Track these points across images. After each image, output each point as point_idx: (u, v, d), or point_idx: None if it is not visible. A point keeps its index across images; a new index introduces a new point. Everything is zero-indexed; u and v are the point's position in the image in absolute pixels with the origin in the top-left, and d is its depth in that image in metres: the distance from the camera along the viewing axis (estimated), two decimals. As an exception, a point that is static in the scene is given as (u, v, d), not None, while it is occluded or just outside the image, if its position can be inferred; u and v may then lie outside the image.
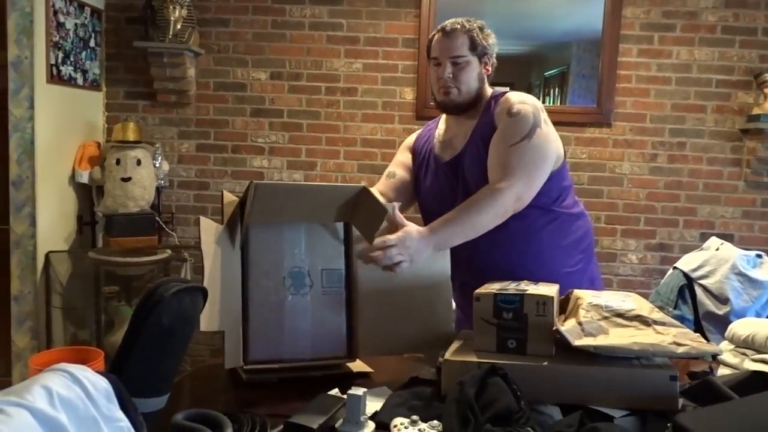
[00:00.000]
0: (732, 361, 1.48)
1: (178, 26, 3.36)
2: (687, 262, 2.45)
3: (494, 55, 1.80)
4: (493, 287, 1.38)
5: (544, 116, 1.71)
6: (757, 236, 3.49)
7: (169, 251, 3.33)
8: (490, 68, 1.79)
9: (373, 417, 1.18)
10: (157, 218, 3.45)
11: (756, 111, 3.34)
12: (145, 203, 3.35)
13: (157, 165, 3.43)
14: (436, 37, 1.77)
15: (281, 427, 1.12)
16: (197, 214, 3.65)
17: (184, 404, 1.26)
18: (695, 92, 3.45)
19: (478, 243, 1.58)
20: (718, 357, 1.54)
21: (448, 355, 1.30)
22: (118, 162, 3.27)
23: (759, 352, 1.43)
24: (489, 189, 1.61)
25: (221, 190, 1.39)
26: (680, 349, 1.19)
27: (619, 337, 1.24)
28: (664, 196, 3.51)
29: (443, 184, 1.81)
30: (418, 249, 1.47)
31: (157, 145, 3.50)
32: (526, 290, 1.32)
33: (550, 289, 1.35)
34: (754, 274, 2.30)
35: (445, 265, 1.59)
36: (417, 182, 1.89)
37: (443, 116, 1.91)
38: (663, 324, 1.27)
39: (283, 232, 1.46)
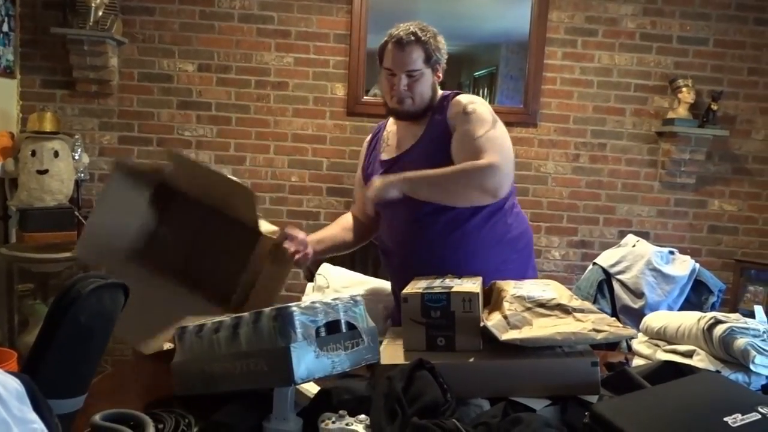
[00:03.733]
0: (645, 352, 1.55)
1: (100, 13, 3.23)
2: (606, 258, 2.56)
3: (445, 60, 1.81)
4: (419, 285, 1.40)
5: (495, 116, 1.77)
6: (671, 234, 3.68)
7: (89, 247, 3.19)
8: (441, 74, 1.81)
9: (301, 413, 1.17)
10: (77, 213, 3.30)
11: (671, 115, 3.52)
12: (63, 197, 3.21)
13: (77, 157, 3.29)
14: (389, 47, 1.75)
15: (202, 424, 1.09)
16: (120, 208, 3.52)
17: (103, 404, 1.21)
18: (615, 95, 3.60)
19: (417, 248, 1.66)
20: (633, 348, 1.61)
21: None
22: (33, 153, 3.11)
23: (670, 342, 1.51)
24: (472, 162, 1.62)
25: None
26: (600, 335, 1.23)
27: (542, 327, 1.28)
28: (585, 195, 3.64)
29: None
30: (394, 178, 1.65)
31: (76, 137, 3.35)
32: (452, 287, 1.34)
33: (474, 285, 1.38)
34: (667, 269, 2.42)
35: None
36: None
37: (390, 120, 1.91)
38: (582, 311, 1.32)
39: None
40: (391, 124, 1.91)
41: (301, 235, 1.67)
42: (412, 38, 1.72)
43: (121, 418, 1.09)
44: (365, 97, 3.50)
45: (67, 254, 3.07)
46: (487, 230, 1.77)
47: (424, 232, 1.74)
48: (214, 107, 3.51)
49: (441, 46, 1.78)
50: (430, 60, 1.74)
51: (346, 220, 1.98)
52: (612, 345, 1.97)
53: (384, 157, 1.86)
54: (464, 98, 1.78)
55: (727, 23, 3.56)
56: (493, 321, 1.31)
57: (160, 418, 1.10)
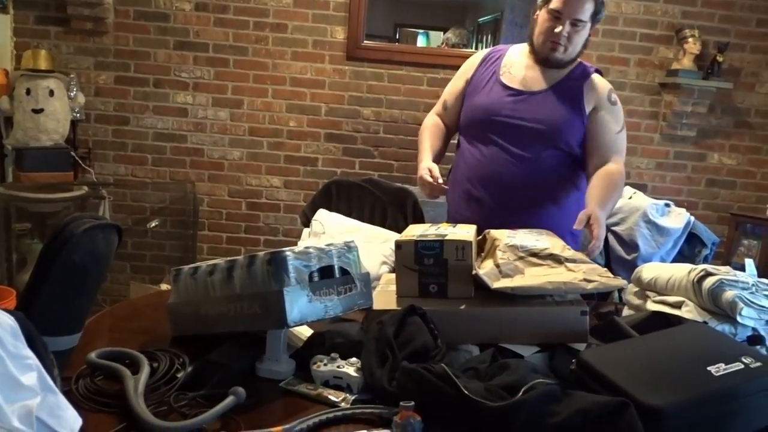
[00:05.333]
0: (636, 303, 1.57)
1: (94, -53, 3.13)
2: (602, 210, 2.55)
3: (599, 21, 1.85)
4: (412, 233, 1.40)
5: None
6: (668, 187, 3.68)
7: (85, 188, 3.19)
8: (591, 35, 1.87)
9: (293, 355, 1.20)
10: (73, 153, 3.28)
11: (675, 66, 3.46)
12: (59, 137, 3.18)
13: (72, 96, 3.25)
14: None
15: (196, 364, 1.11)
16: (116, 150, 3.50)
17: (100, 343, 1.24)
18: (620, 45, 3.53)
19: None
20: (624, 298, 1.63)
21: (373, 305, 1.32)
22: (28, 92, 3.07)
23: (660, 293, 1.53)
24: (616, 171, 1.83)
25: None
26: (590, 285, 1.25)
27: (534, 276, 1.29)
28: (585, 146, 3.61)
29: (501, 105, 1.86)
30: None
31: (71, 75, 3.29)
32: (446, 235, 1.35)
33: (467, 233, 1.38)
34: (662, 222, 2.43)
35: None
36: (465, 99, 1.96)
37: (515, 51, 1.95)
38: (574, 261, 1.34)
39: None
40: (516, 54, 1.95)
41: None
42: None
43: (116, 356, 1.11)
44: (365, 41, 3.43)
45: (64, 194, 3.07)
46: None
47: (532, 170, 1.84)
48: (212, 48, 3.44)
49: (604, 7, 1.81)
50: (596, 15, 1.78)
51: (442, 129, 2.03)
52: (604, 295, 2.00)
53: (507, 83, 1.89)
54: (606, 82, 1.89)
55: (738, -29, 3.47)
56: (485, 269, 1.32)
57: (154, 357, 1.13)
